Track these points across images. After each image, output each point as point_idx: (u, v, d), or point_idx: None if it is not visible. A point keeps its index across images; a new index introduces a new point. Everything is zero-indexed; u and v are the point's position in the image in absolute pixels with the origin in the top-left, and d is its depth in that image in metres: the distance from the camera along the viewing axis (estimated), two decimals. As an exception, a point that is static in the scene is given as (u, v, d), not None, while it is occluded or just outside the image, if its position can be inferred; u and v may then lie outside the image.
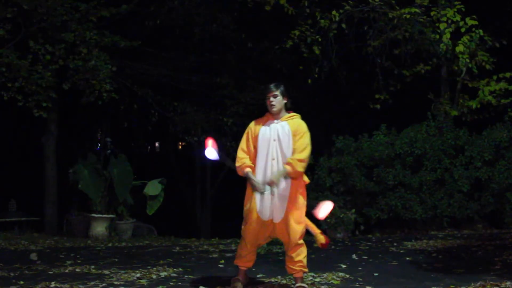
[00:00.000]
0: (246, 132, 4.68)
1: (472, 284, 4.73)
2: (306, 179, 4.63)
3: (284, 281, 5.04)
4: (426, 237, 8.38)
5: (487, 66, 10.10)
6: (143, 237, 10.30)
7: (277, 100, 4.57)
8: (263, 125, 4.61)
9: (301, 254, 4.54)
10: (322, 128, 14.58)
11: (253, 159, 4.57)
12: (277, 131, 4.54)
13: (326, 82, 11.90)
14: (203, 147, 4.92)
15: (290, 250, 4.53)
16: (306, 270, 4.62)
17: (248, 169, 4.51)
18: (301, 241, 4.55)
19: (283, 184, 4.47)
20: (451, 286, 4.69)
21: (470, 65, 9.89)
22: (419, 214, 9.21)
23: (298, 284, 4.58)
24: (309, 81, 11.54)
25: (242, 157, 4.58)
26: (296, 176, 4.49)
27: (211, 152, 4.67)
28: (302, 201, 4.56)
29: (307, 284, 4.88)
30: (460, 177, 9.21)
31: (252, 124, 4.68)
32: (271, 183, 4.42)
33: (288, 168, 4.42)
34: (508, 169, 9.16)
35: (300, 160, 4.43)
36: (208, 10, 12.54)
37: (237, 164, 4.58)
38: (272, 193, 4.44)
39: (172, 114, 12.75)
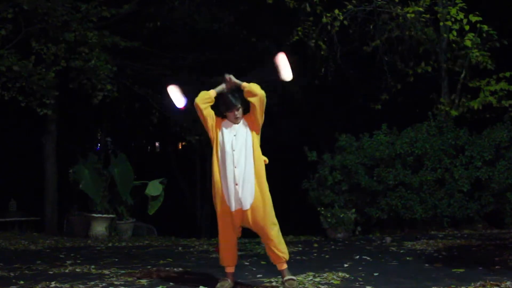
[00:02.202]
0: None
1: (472, 284, 4.73)
2: (265, 158, 4.71)
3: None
4: (426, 237, 8.38)
5: (488, 66, 10.14)
6: (143, 237, 10.31)
7: (240, 112, 4.70)
8: (223, 127, 4.73)
9: (279, 239, 4.62)
10: (322, 127, 14.60)
11: (216, 151, 4.68)
12: (236, 128, 4.68)
13: (326, 81, 11.93)
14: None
15: (266, 236, 4.59)
16: (287, 257, 4.67)
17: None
18: (276, 229, 4.61)
19: (248, 165, 4.56)
20: (451, 286, 4.69)
21: (479, 59, 9.95)
22: (419, 214, 9.21)
23: (287, 277, 4.64)
24: (316, 81, 11.59)
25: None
26: (252, 92, 4.62)
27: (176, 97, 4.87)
28: (266, 183, 4.63)
29: (307, 283, 4.89)
30: (460, 177, 9.21)
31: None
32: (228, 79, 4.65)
33: (245, 84, 4.66)
34: (508, 169, 9.16)
35: (260, 90, 4.64)
36: (208, 10, 12.54)
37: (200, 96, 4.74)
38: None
39: (172, 114, 12.74)
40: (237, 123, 4.71)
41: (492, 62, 10.25)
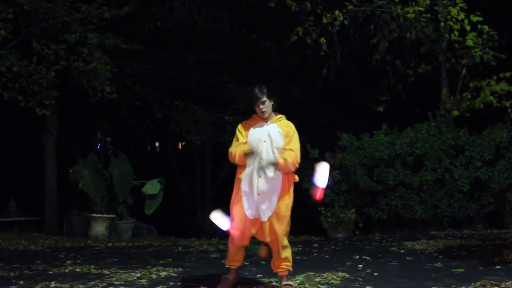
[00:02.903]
0: (236, 134, 4.67)
1: (472, 284, 4.73)
2: (296, 177, 4.63)
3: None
4: (426, 237, 8.38)
5: (492, 63, 10.14)
6: (143, 237, 10.30)
7: (266, 105, 4.54)
8: (252, 127, 4.60)
9: (287, 252, 4.56)
10: (323, 127, 14.59)
11: None
12: (267, 132, 4.53)
13: (327, 81, 11.94)
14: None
15: (276, 249, 4.53)
16: (291, 269, 4.62)
17: (245, 145, 4.51)
18: (286, 241, 4.56)
19: (271, 174, 4.45)
20: (451, 286, 4.69)
21: (484, 57, 9.99)
22: (419, 214, 9.21)
23: (284, 283, 4.59)
24: (320, 81, 11.61)
25: (235, 145, 4.57)
26: (284, 171, 4.48)
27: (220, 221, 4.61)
28: (290, 199, 4.56)
29: (307, 283, 4.89)
30: (460, 177, 9.21)
31: (240, 127, 4.67)
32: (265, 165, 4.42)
33: (281, 161, 4.43)
34: (508, 169, 9.16)
35: (296, 161, 4.46)
36: (208, 10, 12.55)
37: (232, 150, 4.55)
38: (259, 175, 4.43)
39: (174, 113, 12.76)
40: (265, 118, 4.55)
41: (496, 59, 10.26)
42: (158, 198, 10.01)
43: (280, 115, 4.67)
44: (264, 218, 4.47)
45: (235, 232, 4.52)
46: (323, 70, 11.40)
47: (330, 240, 8.79)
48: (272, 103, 4.57)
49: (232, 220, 4.55)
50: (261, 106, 4.52)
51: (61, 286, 4.96)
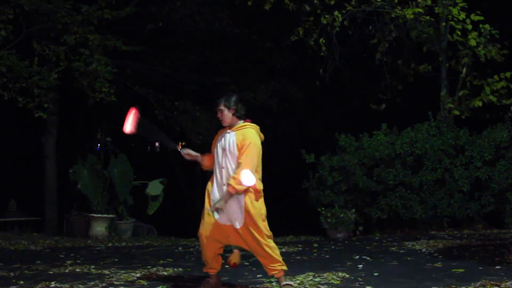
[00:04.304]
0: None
1: (472, 284, 4.73)
2: (258, 186, 4.48)
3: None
4: (426, 237, 8.38)
5: (498, 59, 10.13)
6: (143, 237, 10.31)
7: (224, 114, 4.56)
8: (220, 134, 4.66)
9: (275, 252, 4.49)
10: (322, 127, 14.61)
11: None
12: (227, 141, 4.54)
13: (324, 81, 11.95)
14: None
15: (261, 252, 4.47)
16: (286, 268, 4.56)
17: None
18: (270, 241, 4.49)
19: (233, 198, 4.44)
20: (452, 286, 4.69)
21: (492, 54, 9.97)
22: (419, 214, 9.21)
23: (284, 283, 4.56)
24: (317, 82, 11.60)
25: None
26: (242, 191, 4.40)
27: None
28: (260, 205, 4.48)
29: (307, 283, 4.89)
30: (460, 177, 9.21)
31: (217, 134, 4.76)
32: (217, 209, 4.37)
33: (230, 189, 4.37)
34: (508, 169, 9.16)
35: (238, 183, 4.32)
36: (209, 10, 12.55)
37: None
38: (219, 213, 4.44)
39: (175, 113, 12.77)
40: (225, 125, 4.58)
41: (500, 56, 10.24)
42: (159, 198, 10.02)
43: (244, 124, 4.59)
44: (237, 225, 4.45)
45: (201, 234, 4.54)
46: (320, 71, 11.40)
47: (330, 240, 8.79)
48: (232, 113, 4.55)
49: (201, 224, 4.57)
50: (218, 114, 4.60)
51: (61, 286, 4.96)
